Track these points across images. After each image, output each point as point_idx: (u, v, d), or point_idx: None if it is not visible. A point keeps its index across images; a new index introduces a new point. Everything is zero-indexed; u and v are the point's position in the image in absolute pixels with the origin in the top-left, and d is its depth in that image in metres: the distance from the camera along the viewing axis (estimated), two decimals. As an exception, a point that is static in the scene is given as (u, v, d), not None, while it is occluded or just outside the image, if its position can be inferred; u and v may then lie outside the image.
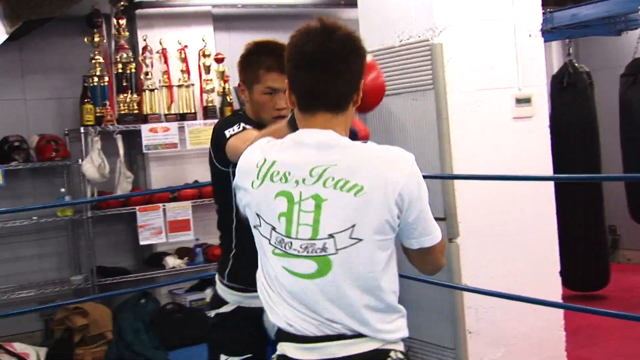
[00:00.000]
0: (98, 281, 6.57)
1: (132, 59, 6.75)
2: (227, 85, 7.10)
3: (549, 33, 5.24)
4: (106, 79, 6.64)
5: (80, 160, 6.43)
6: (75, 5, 6.10)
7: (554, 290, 4.49)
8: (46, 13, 5.98)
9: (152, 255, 6.99)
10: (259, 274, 2.26)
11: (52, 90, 6.86)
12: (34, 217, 6.38)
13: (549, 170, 4.57)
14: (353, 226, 2.06)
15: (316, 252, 2.09)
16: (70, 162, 6.54)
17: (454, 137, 4.30)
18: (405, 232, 2.15)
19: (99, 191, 6.61)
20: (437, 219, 4.20)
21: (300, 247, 2.10)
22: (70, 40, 6.86)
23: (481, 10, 4.38)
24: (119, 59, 6.70)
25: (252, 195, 2.20)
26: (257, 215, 2.19)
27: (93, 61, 6.63)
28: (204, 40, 7.07)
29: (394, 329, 2.20)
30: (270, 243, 2.16)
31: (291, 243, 2.11)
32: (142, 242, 6.70)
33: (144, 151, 6.71)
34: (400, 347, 2.23)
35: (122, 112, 6.65)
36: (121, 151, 6.53)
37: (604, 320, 5.49)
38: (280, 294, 2.17)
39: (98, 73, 6.62)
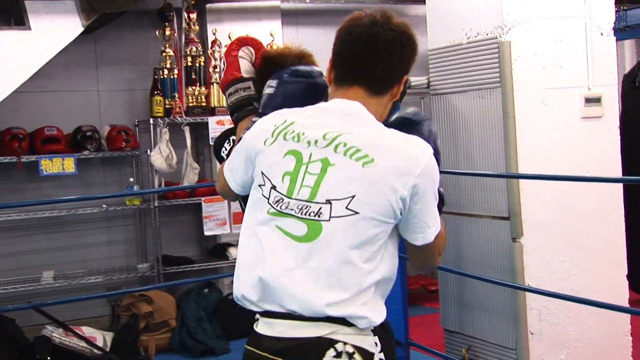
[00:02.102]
0: (163, 269, 6.63)
1: (201, 53, 6.78)
2: (294, 80, 7.07)
3: (622, 32, 5.12)
4: (176, 71, 6.69)
5: (148, 151, 6.48)
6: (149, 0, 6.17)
7: (621, 293, 4.40)
8: (120, 6, 6.03)
9: (216, 245, 7.03)
10: (243, 238, 2.16)
11: (124, 82, 6.94)
12: (104, 205, 6.44)
13: (617, 172, 4.49)
14: (353, 197, 1.97)
15: (310, 215, 2.00)
16: (139, 153, 6.60)
17: (520, 136, 4.25)
18: (411, 223, 2.04)
19: (166, 181, 6.67)
20: (499, 218, 4.29)
21: (297, 208, 2.01)
22: (142, 34, 6.92)
23: (551, 7, 4.31)
24: (188, 52, 6.73)
25: (263, 153, 2.11)
26: (263, 174, 2.10)
27: (164, 54, 6.68)
28: (272, 35, 7.05)
29: (361, 313, 2.00)
30: (268, 202, 2.06)
31: (289, 203, 2.02)
32: (206, 233, 6.75)
33: (211, 143, 6.69)
34: (359, 338, 2.02)
35: (191, 104, 6.67)
36: (188, 143, 6.55)
37: None
38: (264, 256, 2.05)
39: (168, 66, 6.67)
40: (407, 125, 2.16)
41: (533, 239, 4.26)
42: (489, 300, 4.45)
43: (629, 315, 4.43)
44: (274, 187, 2.06)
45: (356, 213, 1.97)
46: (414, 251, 2.14)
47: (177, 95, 6.62)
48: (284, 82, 2.46)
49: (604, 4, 4.40)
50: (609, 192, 4.41)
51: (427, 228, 2.06)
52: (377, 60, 2.10)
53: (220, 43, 6.86)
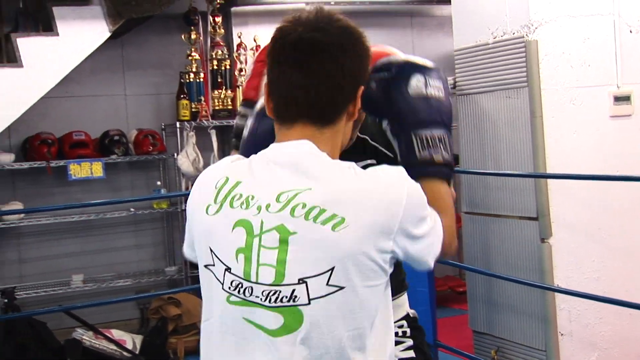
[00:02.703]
0: (191, 272, 6.64)
1: (227, 56, 6.81)
2: (320, 81, 7.09)
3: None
4: (202, 75, 6.72)
5: (175, 154, 6.53)
6: (174, 3, 6.18)
7: None
8: (146, 11, 6.09)
9: (244, 247, 7.01)
10: (204, 333, 1.77)
11: (151, 86, 6.98)
12: (132, 209, 6.49)
13: None
14: (332, 269, 1.58)
15: (282, 301, 1.60)
16: (166, 156, 6.65)
17: (548, 135, 4.23)
18: (414, 258, 1.69)
19: (193, 184, 6.67)
20: (527, 218, 4.26)
21: (262, 294, 1.60)
22: (168, 38, 6.96)
23: (579, 5, 4.29)
24: (214, 56, 6.76)
25: (205, 223, 1.71)
26: (211, 250, 1.68)
27: (189, 58, 6.72)
28: (296, 38, 7.07)
29: None
30: (223, 288, 1.66)
31: (251, 288, 1.61)
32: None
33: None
34: None
35: (217, 107, 6.71)
36: (215, 146, 6.56)
37: None
38: (241, 357, 1.68)
39: (194, 69, 6.71)
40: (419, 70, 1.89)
41: (562, 239, 4.24)
42: (518, 301, 4.44)
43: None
44: (228, 269, 1.65)
45: (341, 288, 1.59)
46: None
47: (203, 98, 6.65)
48: (263, 116, 1.97)
49: (632, 1, 4.38)
50: (638, 191, 4.37)
51: (424, 262, 1.71)
52: (318, 80, 1.66)
53: (246, 46, 6.91)
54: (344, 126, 1.74)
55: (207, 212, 1.69)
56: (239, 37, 6.93)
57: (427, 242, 1.69)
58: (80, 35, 5.72)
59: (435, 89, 1.87)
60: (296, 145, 1.67)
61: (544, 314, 4.27)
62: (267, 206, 1.61)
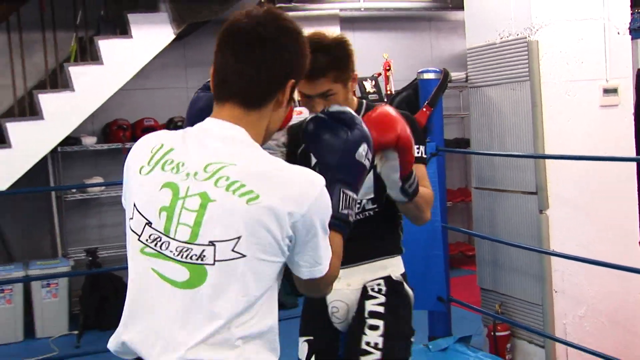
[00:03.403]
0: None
1: (273, 55, 6.81)
2: (351, 76, 7.08)
3: (636, 31, 5.05)
4: (252, 71, 6.73)
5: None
6: (229, 9, 6.23)
7: (633, 257, 4.29)
8: (205, 17, 6.18)
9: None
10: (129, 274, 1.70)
11: (207, 80, 6.99)
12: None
13: (631, 153, 4.44)
14: (238, 238, 1.53)
15: (191, 258, 1.55)
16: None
17: (546, 122, 4.21)
18: (302, 258, 1.60)
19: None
20: (528, 193, 4.23)
21: (176, 250, 1.56)
22: (222, 40, 6.98)
23: (574, 10, 4.26)
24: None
25: (136, 182, 1.67)
26: (134, 205, 1.64)
27: (240, 57, 6.72)
28: (332, 39, 7.07)
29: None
30: (139, 240, 1.61)
31: (168, 243, 1.57)
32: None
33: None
34: None
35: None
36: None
37: None
38: (138, 303, 1.64)
39: (245, 66, 6.72)
40: (344, 123, 1.78)
41: (557, 211, 4.23)
42: (519, 263, 4.44)
43: (639, 276, 4.33)
44: (149, 224, 1.60)
45: (243, 256, 1.54)
46: (299, 282, 1.68)
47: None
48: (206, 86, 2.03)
49: (620, 7, 4.34)
50: (623, 170, 4.35)
51: (316, 264, 1.62)
52: (249, 66, 1.61)
53: (289, 47, 6.92)
54: (272, 113, 1.66)
55: (139, 173, 1.65)
56: (283, 38, 6.97)
57: (322, 248, 1.62)
58: (151, 38, 5.83)
59: (367, 161, 1.77)
60: (229, 126, 1.61)
61: (541, 274, 4.26)
62: (195, 174, 1.57)
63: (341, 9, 7.24)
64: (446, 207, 4.71)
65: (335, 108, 1.79)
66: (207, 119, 1.65)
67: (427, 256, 4.52)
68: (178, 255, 1.55)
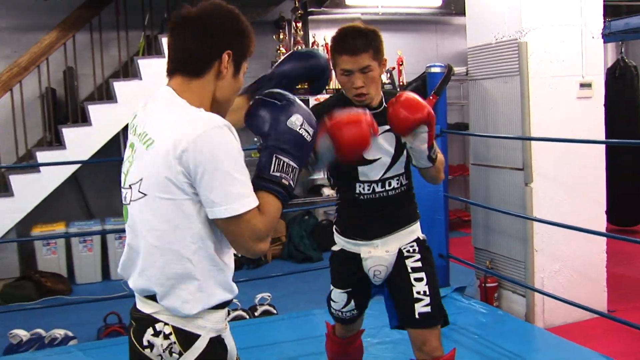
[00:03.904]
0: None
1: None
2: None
3: (607, 36, 5.03)
4: (287, 64, 6.78)
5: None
6: (268, 13, 6.30)
7: (600, 224, 4.37)
8: (248, 18, 6.14)
9: (314, 186, 7.15)
10: None
11: (250, 71, 6.92)
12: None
13: (601, 137, 4.44)
14: (141, 180, 1.52)
15: (125, 200, 1.59)
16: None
17: (532, 110, 4.21)
18: (202, 198, 1.49)
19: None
20: (516, 169, 4.30)
21: (123, 195, 1.61)
22: (263, 37, 6.97)
23: (557, 17, 4.25)
24: (296, 50, 6.81)
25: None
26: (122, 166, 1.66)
27: (278, 51, 6.77)
28: (354, 38, 7.12)
29: (186, 299, 1.53)
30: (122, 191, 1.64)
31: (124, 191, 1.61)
32: (308, 177, 6.85)
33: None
34: (180, 321, 1.55)
35: (298, 87, 6.74)
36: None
37: (634, 247, 5.38)
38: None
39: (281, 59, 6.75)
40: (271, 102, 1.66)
41: (539, 184, 4.24)
42: (507, 227, 4.46)
43: (605, 239, 4.42)
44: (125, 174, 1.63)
45: (145, 195, 1.51)
46: (225, 230, 1.53)
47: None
48: (280, 62, 2.06)
49: (594, 16, 4.32)
50: (594, 151, 4.37)
51: (213, 204, 1.47)
52: (188, 40, 1.58)
53: (318, 44, 6.97)
54: (215, 81, 1.60)
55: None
56: (313, 37, 7.01)
57: (220, 189, 1.47)
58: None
59: (305, 131, 1.61)
60: (162, 90, 1.60)
61: (524, 236, 4.28)
62: (139, 133, 1.57)
63: (362, 13, 7.26)
64: (447, 180, 4.67)
65: (271, 90, 1.70)
66: (161, 88, 1.63)
67: (431, 220, 4.55)
68: (123, 199, 1.61)
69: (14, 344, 4.10)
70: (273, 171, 1.56)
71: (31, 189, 5.57)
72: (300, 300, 5.01)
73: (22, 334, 4.13)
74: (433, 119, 2.22)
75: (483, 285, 4.52)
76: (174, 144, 1.46)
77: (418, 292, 2.40)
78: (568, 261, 4.32)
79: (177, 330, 1.54)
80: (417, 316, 2.38)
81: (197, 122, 1.48)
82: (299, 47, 6.79)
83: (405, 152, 2.42)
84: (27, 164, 5.47)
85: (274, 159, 1.57)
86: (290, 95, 1.67)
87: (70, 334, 4.20)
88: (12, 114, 5.69)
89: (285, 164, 1.58)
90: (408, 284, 2.42)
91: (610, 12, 6.04)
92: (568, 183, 4.30)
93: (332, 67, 2.26)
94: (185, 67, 1.59)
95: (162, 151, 1.48)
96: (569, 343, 3.75)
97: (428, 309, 2.39)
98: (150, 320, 1.56)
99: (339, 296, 2.60)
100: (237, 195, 1.48)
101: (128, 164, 1.60)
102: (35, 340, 4.12)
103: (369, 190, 2.44)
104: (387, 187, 2.44)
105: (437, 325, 2.42)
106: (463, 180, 7.60)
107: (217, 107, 1.63)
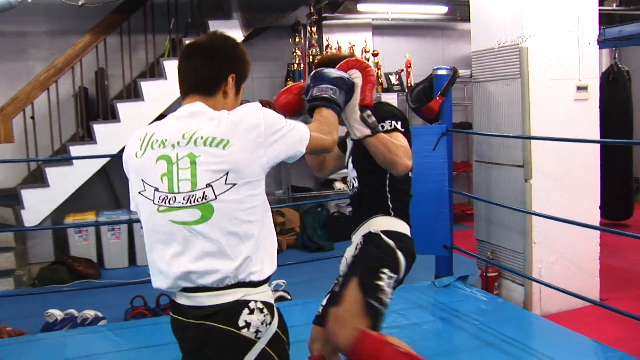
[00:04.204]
0: (292, 194, 6.81)
1: (319, 53, 6.84)
2: (380, 72, 7.13)
3: (602, 43, 5.01)
4: (302, 66, 6.77)
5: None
6: (285, 17, 6.31)
7: (595, 218, 4.37)
8: (267, 23, 6.24)
9: (326, 180, 7.13)
10: (147, 241, 1.78)
11: (268, 72, 7.08)
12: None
13: (596, 137, 4.43)
14: (227, 173, 1.64)
15: (198, 201, 1.65)
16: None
17: (532, 111, 4.21)
18: (287, 150, 1.74)
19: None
20: (516, 166, 4.31)
21: (184, 200, 1.66)
22: (280, 40, 7.05)
23: (556, 24, 4.24)
24: (310, 53, 6.81)
25: (136, 163, 1.74)
26: (142, 181, 1.72)
27: (294, 54, 6.79)
28: (365, 41, 7.13)
29: (259, 269, 1.70)
30: (154, 203, 1.70)
31: (175, 198, 1.67)
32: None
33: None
34: (264, 295, 1.72)
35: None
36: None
37: (626, 240, 5.30)
38: (167, 249, 1.71)
39: (297, 61, 6.77)
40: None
41: (538, 180, 4.24)
42: (507, 220, 4.45)
43: (599, 232, 4.41)
44: (156, 189, 1.69)
45: (234, 185, 1.65)
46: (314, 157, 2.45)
47: (302, 81, 6.64)
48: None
49: (591, 24, 4.31)
50: (590, 150, 4.36)
51: (296, 142, 1.77)
52: (199, 66, 1.75)
53: (331, 47, 6.97)
54: (223, 100, 1.77)
55: (136, 157, 1.74)
56: (327, 40, 7.02)
57: (290, 139, 1.73)
58: (226, 39, 5.93)
59: (338, 73, 2.11)
60: (191, 105, 1.74)
61: (524, 229, 4.28)
62: (178, 143, 1.67)
63: (373, 19, 7.28)
64: (452, 176, 4.63)
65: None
66: (180, 108, 1.77)
67: (437, 213, 4.53)
68: (187, 202, 1.65)
69: (49, 322, 4.18)
70: (313, 94, 2.03)
71: (65, 181, 5.64)
72: (312, 287, 5.03)
73: (57, 313, 4.21)
74: (372, 77, 2.22)
75: (484, 274, 4.51)
76: (253, 133, 1.65)
77: (341, 273, 2.45)
78: (564, 253, 4.32)
79: (265, 304, 1.72)
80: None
81: (249, 109, 1.69)
82: (314, 50, 6.81)
83: (350, 157, 2.47)
84: (62, 157, 5.53)
85: (314, 89, 2.05)
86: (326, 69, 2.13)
87: (100, 314, 4.27)
88: (49, 111, 5.77)
89: (323, 88, 2.04)
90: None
91: (605, 20, 6.02)
92: (565, 180, 4.29)
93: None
94: (199, 88, 1.75)
95: (245, 145, 1.64)
96: (564, 329, 3.77)
97: (336, 288, 2.37)
98: (242, 304, 1.68)
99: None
100: (299, 128, 1.78)
101: (179, 172, 1.67)
102: (68, 320, 4.19)
103: (350, 187, 2.55)
104: (353, 186, 2.50)
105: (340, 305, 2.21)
106: (467, 176, 7.58)
107: None
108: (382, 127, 2.28)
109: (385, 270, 2.25)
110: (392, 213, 2.39)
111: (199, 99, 1.74)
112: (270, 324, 1.72)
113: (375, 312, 2.17)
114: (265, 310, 1.71)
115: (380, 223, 2.38)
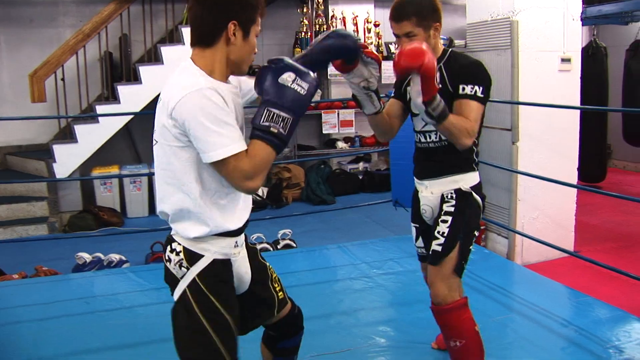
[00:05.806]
0: (298, 152, 6.81)
1: (324, 23, 6.80)
2: (380, 41, 7.07)
3: (585, 19, 4.97)
4: (309, 34, 6.73)
5: (291, 82, 6.57)
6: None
7: (573, 178, 4.39)
8: (276, -7, 6.11)
9: (329, 140, 7.15)
10: None
11: (277, 39, 7.02)
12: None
13: (577, 104, 4.41)
14: (155, 130, 1.61)
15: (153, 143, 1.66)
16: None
17: (520, 79, 4.20)
18: (195, 147, 1.55)
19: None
20: (505, 129, 4.31)
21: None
22: (289, 10, 6.98)
23: (543, 0, 4.19)
24: (317, 22, 6.76)
25: None
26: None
27: (302, 23, 6.73)
28: (367, 13, 7.04)
29: (181, 227, 1.64)
30: None
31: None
32: (324, 132, 6.85)
33: (329, 77, 6.83)
34: (189, 243, 1.64)
35: (317, 54, 6.71)
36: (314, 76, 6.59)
37: (599, 199, 5.52)
38: None
39: (304, 30, 6.72)
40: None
41: (524, 143, 4.24)
42: (496, 179, 4.47)
43: (576, 190, 4.43)
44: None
45: (157, 142, 1.61)
46: (218, 172, 1.59)
47: (309, 48, 6.64)
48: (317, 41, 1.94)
49: (575, 1, 4.26)
50: (572, 116, 4.36)
51: (201, 152, 1.53)
52: (198, 12, 1.59)
53: (336, 17, 6.89)
54: (226, 47, 1.61)
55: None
56: (332, 11, 6.91)
57: (205, 141, 1.51)
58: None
59: (298, 86, 1.58)
60: (185, 61, 1.63)
61: (509, 187, 4.30)
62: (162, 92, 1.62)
63: (377, -7, 7.18)
64: None
65: (271, 58, 1.66)
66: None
67: None
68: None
69: (79, 264, 4.25)
70: (263, 121, 1.55)
71: (91, 137, 5.67)
72: (316, 236, 5.11)
73: (86, 256, 4.28)
74: (429, 73, 1.92)
75: (472, 227, 4.56)
76: (169, 101, 1.53)
77: (438, 232, 2.24)
78: (544, 209, 4.35)
79: (185, 250, 1.64)
80: (430, 252, 2.26)
81: (186, 86, 1.52)
82: (321, 20, 6.73)
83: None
84: (89, 114, 5.53)
85: (265, 111, 1.56)
86: (287, 59, 1.63)
87: (124, 258, 4.34)
88: (77, 73, 5.75)
89: (275, 115, 1.55)
90: (435, 224, 2.28)
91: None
92: (548, 142, 4.30)
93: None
94: (199, 40, 1.61)
95: (162, 108, 1.55)
96: (542, 277, 3.82)
97: (439, 248, 2.22)
98: (170, 239, 1.68)
99: (413, 230, 2.51)
100: (218, 144, 1.50)
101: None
102: (96, 262, 4.26)
103: (419, 139, 2.39)
104: (428, 140, 2.34)
105: (441, 265, 2.21)
106: (457, 138, 7.55)
107: (235, 66, 1.66)
108: (463, 89, 2.15)
109: (475, 232, 2.29)
110: (475, 168, 2.36)
111: (197, 51, 1.61)
112: (187, 269, 1.63)
113: (463, 269, 2.27)
114: (182, 255, 1.64)
115: (468, 180, 2.32)
